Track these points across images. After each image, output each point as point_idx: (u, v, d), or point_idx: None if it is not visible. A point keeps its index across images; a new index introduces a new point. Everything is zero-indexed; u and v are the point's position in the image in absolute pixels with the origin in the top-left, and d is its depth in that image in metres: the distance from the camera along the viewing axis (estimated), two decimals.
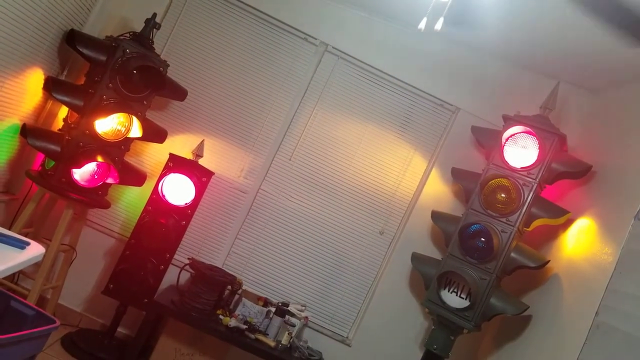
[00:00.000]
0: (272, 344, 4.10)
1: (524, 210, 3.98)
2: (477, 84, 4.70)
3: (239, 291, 4.40)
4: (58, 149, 3.86)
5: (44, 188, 3.89)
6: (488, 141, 4.31)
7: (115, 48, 3.92)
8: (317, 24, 4.69)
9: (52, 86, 3.83)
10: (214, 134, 4.65)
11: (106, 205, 4.22)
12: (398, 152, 4.72)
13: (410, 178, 4.72)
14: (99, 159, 3.85)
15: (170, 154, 4.30)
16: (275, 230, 4.69)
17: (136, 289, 4.16)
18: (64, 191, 3.88)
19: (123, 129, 4.03)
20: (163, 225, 4.15)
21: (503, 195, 4.04)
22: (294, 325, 4.27)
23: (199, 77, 4.65)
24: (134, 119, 4.01)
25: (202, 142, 4.47)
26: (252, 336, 4.10)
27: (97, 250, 4.58)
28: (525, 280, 4.32)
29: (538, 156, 4.01)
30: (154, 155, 4.62)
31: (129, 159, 4.45)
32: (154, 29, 4.19)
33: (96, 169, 4.00)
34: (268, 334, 4.20)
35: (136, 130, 4.04)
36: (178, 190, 4.22)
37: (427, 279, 4.24)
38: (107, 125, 3.96)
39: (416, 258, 4.40)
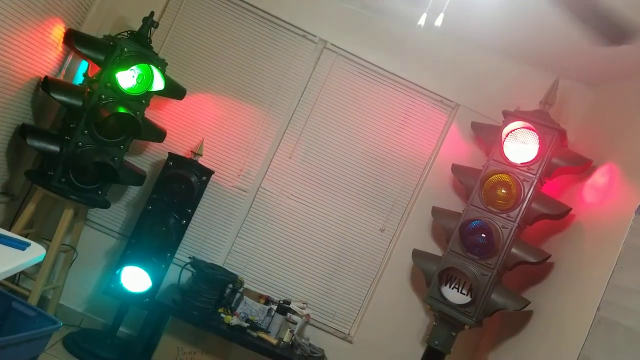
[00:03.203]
0: (274, 341, 4.10)
1: (524, 206, 3.98)
2: (477, 79, 4.69)
3: (241, 289, 4.40)
4: (57, 149, 3.85)
5: (44, 189, 3.88)
6: (488, 137, 4.31)
7: (113, 47, 3.91)
8: (316, 20, 4.68)
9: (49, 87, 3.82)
10: (214, 132, 4.64)
11: (106, 205, 4.22)
12: (398, 148, 4.71)
13: (411, 174, 4.72)
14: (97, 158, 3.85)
15: (170, 153, 4.29)
16: (275, 228, 4.69)
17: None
18: (64, 192, 3.88)
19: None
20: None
21: (503, 191, 4.05)
22: (295, 323, 4.28)
23: (198, 76, 4.64)
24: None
25: (201, 141, 4.47)
26: (254, 334, 4.10)
27: (98, 250, 4.57)
28: (526, 276, 4.32)
29: (538, 151, 4.01)
30: (153, 155, 4.61)
31: (128, 158, 4.45)
32: (152, 28, 4.18)
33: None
34: (270, 332, 4.21)
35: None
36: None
37: (428, 276, 4.24)
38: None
39: (417, 255, 4.41)
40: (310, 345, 4.39)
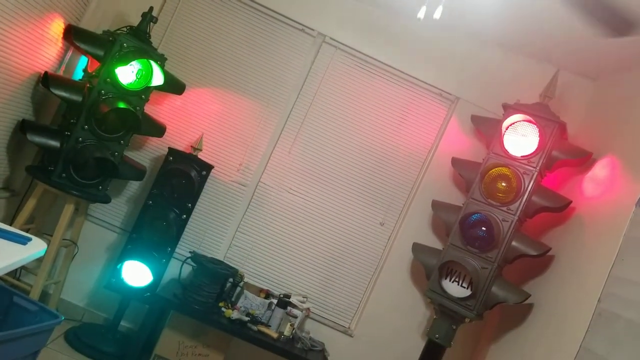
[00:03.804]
0: (275, 335, 4.11)
1: (524, 199, 3.98)
2: (477, 73, 4.69)
3: (241, 284, 4.41)
4: (58, 144, 3.86)
5: (45, 184, 3.88)
6: (488, 130, 4.30)
7: (112, 42, 3.91)
8: (315, 14, 4.67)
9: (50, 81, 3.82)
10: (213, 127, 4.64)
11: (107, 200, 4.23)
12: (397, 142, 4.71)
13: (410, 168, 4.72)
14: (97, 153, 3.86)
15: (170, 148, 4.29)
16: (275, 222, 4.69)
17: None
18: (64, 187, 3.88)
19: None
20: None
21: (504, 184, 4.04)
22: (295, 317, 4.29)
23: (197, 71, 4.63)
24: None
25: (201, 136, 4.47)
26: (255, 328, 4.11)
27: (99, 245, 4.58)
28: (527, 269, 4.33)
29: (538, 144, 4.01)
30: (153, 150, 4.62)
31: (129, 153, 4.45)
32: (151, 23, 4.18)
33: None
34: (270, 326, 4.22)
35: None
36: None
37: (429, 269, 4.25)
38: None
39: (417, 248, 4.41)
40: (310, 339, 4.40)
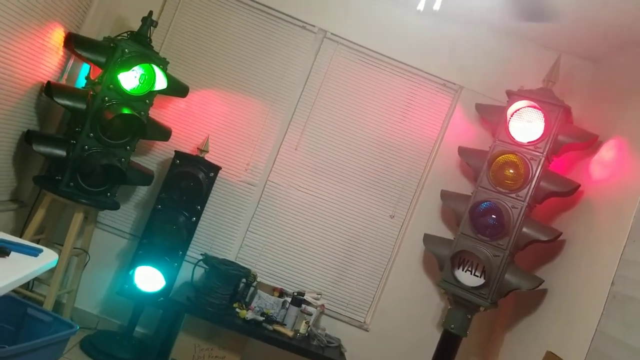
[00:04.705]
0: (290, 333, 4.11)
1: (533, 185, 3.97)
2: (479, 61, 4.67)
3: (254, 283, 4.41)
4: (64, 153, 3.86)
5: (53, 194, 3.89)
6: (493, 118, 4.29)
7: (113, 49, 3.91)
8: (315, 10, 4.66)
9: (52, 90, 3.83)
10: (218, 128, 4.64)
11: (115, 206, 4.23)
12: (403, 134, 4.70)
13: (418, 159, 4.71)
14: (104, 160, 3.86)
15: (176, 152, 4.30)
16: (285, 220, 4.69)
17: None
18: (73, 196, 3.89)
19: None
20: None
21: (511, 171, 4.04)
22: (310, 314, 4.29)
23: (199, 73, 4.63)
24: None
25: (207, 138, 4.47)
26: (270, 327, 4.11)
27: (110, 252, 4.59)
28: (539, 255, 4.32)
29: (544, 129, 3.99)
30: (159, 154, 4.62)
31: (135, 159, 4.46)
32: (151, 27, 4.18)
33: None
34: (286, 324, 4.22)
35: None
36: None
37: (441, 260, 4.24)
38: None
39: (428, 239, 4.41)
40: (326, 335, 4.40)
